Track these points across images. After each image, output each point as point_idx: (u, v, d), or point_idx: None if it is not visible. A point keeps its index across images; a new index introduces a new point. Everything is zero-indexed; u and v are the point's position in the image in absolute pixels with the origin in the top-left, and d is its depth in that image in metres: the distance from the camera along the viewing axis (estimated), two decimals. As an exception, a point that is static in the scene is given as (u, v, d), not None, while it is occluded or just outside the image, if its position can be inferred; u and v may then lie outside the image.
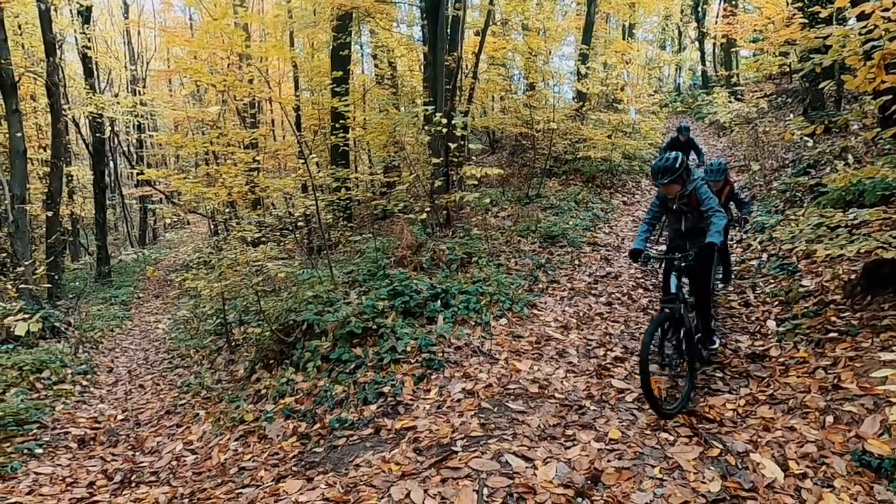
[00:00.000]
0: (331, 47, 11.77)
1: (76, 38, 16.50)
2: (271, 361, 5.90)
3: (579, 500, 3.05)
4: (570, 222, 9.29)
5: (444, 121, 8.39)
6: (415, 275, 6.65)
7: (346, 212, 10.23)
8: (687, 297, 4.50)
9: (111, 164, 20.68)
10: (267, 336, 6.08)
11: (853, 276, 5.06)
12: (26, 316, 5.99)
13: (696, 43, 25.75)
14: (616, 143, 12.55)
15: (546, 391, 4.44)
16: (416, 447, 3.74)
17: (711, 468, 3.25)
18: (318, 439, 4.35)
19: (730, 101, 14.53)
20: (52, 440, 5.14)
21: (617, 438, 3.64)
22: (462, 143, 10.27)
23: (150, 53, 25.50)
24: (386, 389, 4.69)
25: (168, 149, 24.77)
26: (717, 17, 23.63)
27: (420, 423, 4.14)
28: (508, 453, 3.51)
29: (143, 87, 23.10)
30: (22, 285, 8.65)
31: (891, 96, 4.36)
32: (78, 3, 14.51)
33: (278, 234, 10.38)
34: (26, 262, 8.89)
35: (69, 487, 4.23)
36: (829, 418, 3.52)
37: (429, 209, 8.55)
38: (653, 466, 3.30)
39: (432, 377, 4.84)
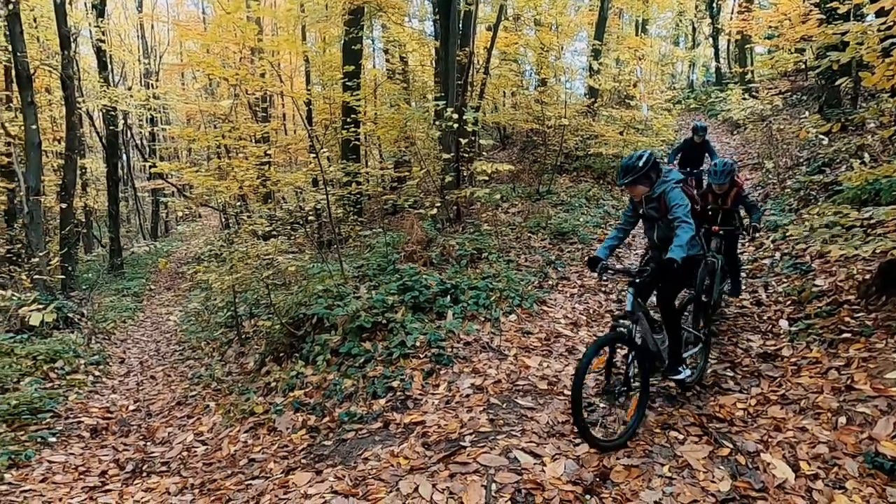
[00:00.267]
0: (342, 42, 11.78)
1: (90, 32, 16.61)
2: (281, 354, 5.94)
3: (588, 497, 3.05)
4: (581, 219, 9.26)
5: (455, 116, 8.36)
6: (424, 270, 6.65)
7: (356, 206, 10.25)
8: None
9: (124, 156, 20.85)
10: (277, 329, 6.12)
11: (868, 277, 5.00)
12: (41, 306, 6.06)
13: (710, 39, 25.46)
14: (628, 139, 12.47)
15: (555, 388, 4.43)
16: (424, 442, 3.75)
17: (721, 468, 3.23)
18: (328, 432, 4.37)
19: (744, 99, 14.38)
20: (65, 429, 5.21)
21: (626, 436, 3.62)
22: (473, 138, 10.25)
23: (164, 47, 25.66)
24: (395, 384, 4.70)
25: (180, 142, 24.92)
26: (731, 13, 23.38)
27: (429, 417, 4.15)
28: (517, 449, 3.51)
29: (157, 80, 23.24)
30: (36, 276, 8.75)
31: (910, 94, 4.30)
32: (92, -4, 14.61)
33: (289, 227, 10.42)
34: (41, 253, 8.99)
35: (81, 476, 4.28)
36: (842, 419, 3.49)
37: (439, 204, 8.55)
38: (662, 465, 3.29)
39: (441, 372, 4.85)
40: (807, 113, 12.11)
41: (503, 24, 14.50)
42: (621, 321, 3.71)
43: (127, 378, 7.39)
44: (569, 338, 5.49)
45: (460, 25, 10.70)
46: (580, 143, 13.32)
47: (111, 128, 17.03)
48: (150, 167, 15.81)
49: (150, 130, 24.10)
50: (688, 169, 8.34)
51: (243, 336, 7.35)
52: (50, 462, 4.44)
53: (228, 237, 8.16)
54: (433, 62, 15.44)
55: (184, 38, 18.93)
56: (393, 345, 5.14)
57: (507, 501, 3.04)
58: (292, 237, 10.11)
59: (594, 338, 5.53)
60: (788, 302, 5.49)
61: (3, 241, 10.95)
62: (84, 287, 11.90)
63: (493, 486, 3.18)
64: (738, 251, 5.95)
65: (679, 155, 8.71)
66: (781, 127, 11.31)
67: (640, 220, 4.09)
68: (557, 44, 15.39)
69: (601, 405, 4.07)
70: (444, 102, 8.62)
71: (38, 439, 4.80)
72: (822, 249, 5.39)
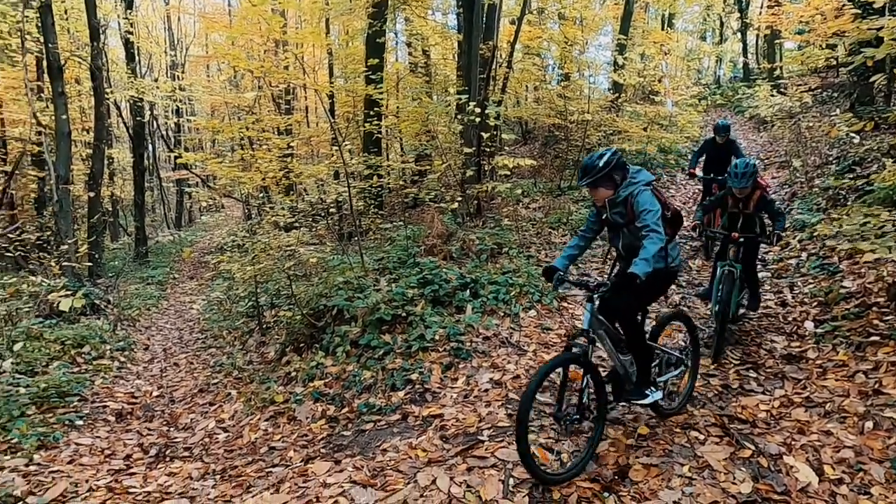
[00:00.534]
0: (366, 35, 11.79)
1: (119, 24, 16.90)
2: (301, 345, 6.00)
3: (606, 494, 3.04)
4: (603, 215, 9.17)
5: (478, 110, 8.33)
6: (444, 264, 6.66)
7: (377, 199, 10.29)
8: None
9: (150, 147, 21.18)
10: (298, 320, 6.18)
11: (898, 279, 4.88)
12: (69, 292, 6.22)
13: (739, 34, 24.96)
14: (652, 135, 12.31)
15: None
16: (442, 435, 3.77)
17: (742, 469, 3.19)
18: (346, 423, 4.42)
19: (772, 95, 14.09)
20: (91, 413, 5.33)
21: (646, 435, 3.60)
22: (495, 132, 10.20)
23: (190, 39, 25.96)
24: (414, 377, 4.72)
25: (205, 133, 25.26)
26: (761, 7, 22.88)
27: (447, 411, 4.17)
28: (535, 445, 3.51)
29: (182, 72, 23.55)
30: (65, 263, 8.95)
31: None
32: (121, -12, 14.83)
33: (310, 219, 10.51)
34: (69, 241, 9.19)
35: (107, 459, 4.38)
36: (869, 424, 3.42)
37: (460, 199, 8.54)
38: (682, 465, 3.26)
39: (460, 366, 4.86)
40: (838, 110, 11.82)
41: (527, 17, 14.39)
42: (576, 340, 3.33)
43: (151, 364, 7.53)
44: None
45: (484, 19, 10.65)
46: (603, 138, 13.19)
47: (138, 118, 17.32)
48: (176, 158, 16.07)
49: (176, 121, 24.46)
50: (711, 175, 7.59)
51: (264, 326, 7.44)
52: (77, 444, 4.55)
53: (251, 228, 8.27)
54: (456, 56, 15.40)
55: (210, 30, 19.14)
56: (412, 338, 5.16)
57: (524, 497, 3.05)
58: (313, 229, 10.20)
59: (614, 335, 5.48)
60: (814, 303, 5.39)
61: (34, 229, 11.21)
62: (110, 274, 12.15)
63: (511, 482, 3.19)
64: (756, 274, 5.40)
65: (702, 158, 7.92)
66: (811, 124, 11.07)
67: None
68: (582, 38, 15.25)
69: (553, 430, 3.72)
70: (467, 96, 8.60)
71: (66, 422, 4.92)
72: (851, 249, 5.28)
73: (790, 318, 5.31)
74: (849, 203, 7.13)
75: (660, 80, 15.05)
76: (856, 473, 3.07)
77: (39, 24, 10.59)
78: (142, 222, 17.18)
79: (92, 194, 12.05)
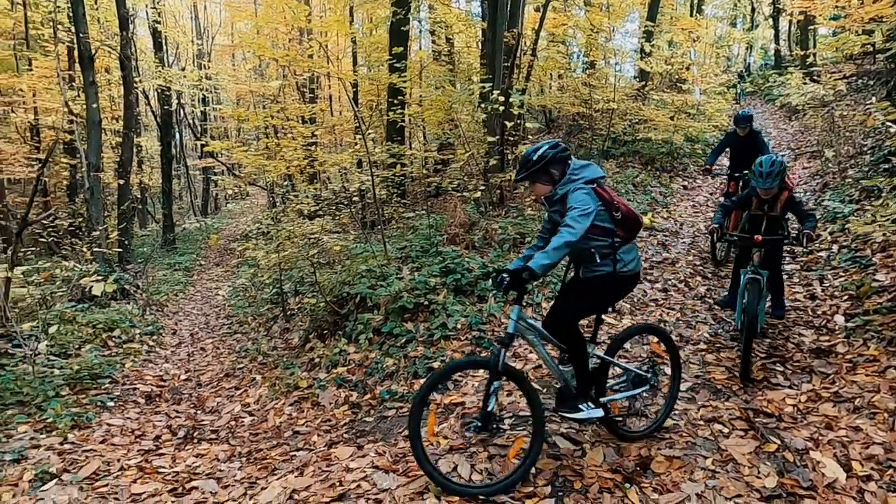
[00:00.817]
0: (390, 23, 11.76)
1: (147, 13, 17.12)
2: (325, 332, 6.08)
3: (627, 485, 3.03)
4: (627, 205, 9.06)
5: (501, 98, 8.28)
6: (467, 253, 6.66)
7: (400, 188, 10.32)
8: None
9: (177, 135, 21.54)
10: (321, 307, 6.25)
11: (934, 273, 4.75)
12: (100, 278, 6.38)
13: (770, 20, 24.32)
14: (679, 124, 12.09)
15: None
16: (463, 423, 3.79)
17: (767, 463, 3.15)
18: (369, 409, 4.47)
19: (804, 83, 13.72)
20: (122, 395, 5.48)
21: (668, 427, 3.58)
22: (518, 121, 10.13)
23: (216, 28, 26.22)
24: (436, 364, 4.75)
25: (230, 122, 25.54)
26: (795, -8, 22.20)
27: (468, 399, 4.19)
28: (556, 435, 3.51)
29: (209, 61, 23.81)
30: (96, 249, 9.17)
31: None
32: (150, -22, 15.02)
33: (334, 208, 10.59)
34: (100, 227, 9.41)
35: (137, 439, 4.51)
36: (899, 420, 3.35)
37: (483, 188, 8.52)
38: (705, 458, 3.24)
39: (482, 355, 4.87)
40: (874, 99, 11.46)
41: (552, 4, 14.19)
42: (495, 344, 3.12)
43: (178, 349, 7.71)
44: (611, 325, 5.42)
45: (508, 6, 10.53)
46: (628, 127, 13.00)
47: (165, 107, 17.60)
48: (202, 146, 16.30)
49: (202, 110, 24.78)
50: (735, 173, 6.99)
51: (288, 312, 7.55)
52: (109, 425, 4.69)
53: (276, 216, 8.36)
54: (479, 44, 15.27)
55: (235, 19, 19.32)
56: (434, 326, 5.18)
57: (545, 486, 3.06)
58: (337, 217, 10.27)
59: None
60: (845, 297, 5.27)
61: (66, 215, 11.51)
62: (139, 260, 12.42)
63: (533, 470, 3.19)
64: (781, 278, 5.09)
65: (722, 154, 7.33)
66: (844, 113, 10.76)
67: None
68: (608, 25, 15.01)
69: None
70: (491, 84, 8.53)
71: (98, 403, 5.07)
72: (889, 239, 5.14)
73: (819, 312, 5.21)
74: (884, 194, 6.93)
75: (688, 68, 14.75)
76: (885, 470, 3.01)
77: (71, 14, 10.80)
78: (169, 209, 17.52)
79: (121, 182, 12.31)
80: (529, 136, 14.27)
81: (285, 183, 13.08)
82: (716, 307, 5.75)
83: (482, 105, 9.06)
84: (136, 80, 15.10)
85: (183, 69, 20.72)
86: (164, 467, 3.90)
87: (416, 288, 5.64)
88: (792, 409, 3.73)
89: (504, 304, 5.59)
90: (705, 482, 3.02)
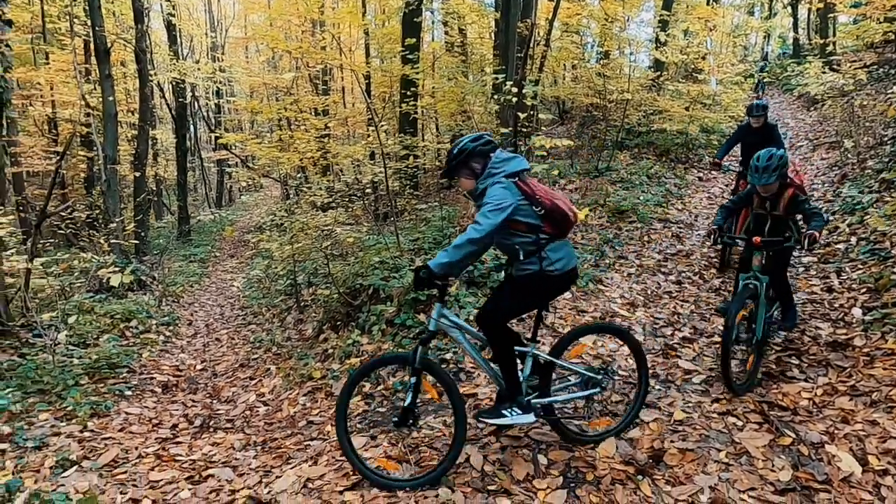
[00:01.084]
0: (402, 14, 11.73)
1: (161, 6, 17.20)
2: (338, 323, 6.12)
3: (640, 477, 3.03)
4: (641, 197, 9.00)
5: (515, 90, 8.22)
6: (479, 245, 6.65)
7: (412, 180, 10.33)
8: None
9: (192, 128, 21.70)
10: (335, 298, 6.29)
11: (955, 265, 4.66)
12: (118, 269, 6.47)
13: (789, 8, 23.86)
14: (694, 115, 11.95)
15: (609, 368, 4.38)
16: (476, 414, 3.80)
17: (782, 457, 3.13)
18: (382, 400, 4.50)
19: (823, 72, 13.48)
20: (139, 384, 5.57)
21: (682, 420, 3.57)
22: (531, 112, 10.06)
23: (229, 21, 26.31)
24: (448, 356, 4.77)
25: (244, 114, 25.68)
26: (815, -21, 21.75)
27: (481, 390, 4.20)
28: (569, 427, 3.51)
29: (222, 53, 23.93)
30: (113, 240, 9.29)
31: None
32: (164, -29, 15.09)
33: (347, 200, 10.63)
34: (117, 219, 9.53)
35: (155, 428, 4.59)
36: (918, 415, 3.31)
37: (495, 179, 8.48)
38: (719, 450, 3.22)
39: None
40: (895, 88, 11.24)
41: (566, -6, 14.06)
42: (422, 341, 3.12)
43: (194, 339, 7.80)
44: (625, 318, 5.40)
45: (522, -4, 10.44)
46: (642, 118, 12.87)
47: (180, 100, 17.72)
48: (216, 138, 16.43)
49: (216, 102, 24.94)
50: (745, 170, 6.56)
51: (302, 304, 7.61)
52: (127, 413, 4.77)
53: (289, 208, 8.41)
54: (493, 34, 15.16)
55: (249, 11, 19.36)
56: (447, 318, 5.19)
57: (557, 477, 3.07)
58: (350, 209, 10.31)
59: (651, 318, 5.42)
60: (863, 289, 5.20)
61: (83, 207, 11.65)
62: (155, 252, 12.58)
63: (545, 461, 3.21)
64: (788, 284, 4.58)
65: (734, 146, 6.96)
66: (865, 103, 10.56)
67: None
68: (623, 14, 14.82)
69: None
70: (504, 76, 8.49)
71: (116, 392, 5.16)
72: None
73: (836, 305, 5.15)
74: (904, 186, 6.81)
75: (704, 58, 14.55)
76: (902, 465, 2.98)
77: (87, 8, 10.88)
78: (184, 201, 17.69)
79: (137, 174, 12.45)
80: (543, 128, 14.20)
81: (298, 175, 13.14)
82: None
83: (495, 96, 9.02)
84: (151, 72, 15.22)
85: (197, 62, 20.84)
86: (181, 455, 3.96)
87: (429, 280, 5.64)
88: (807, 402, 3.70)
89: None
90: (718, 475, 3.01)
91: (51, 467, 3.60)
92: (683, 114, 11.76)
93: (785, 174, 4.17)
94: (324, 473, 3.37)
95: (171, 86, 18.72)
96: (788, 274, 5.96)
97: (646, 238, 7.70)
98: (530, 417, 3.14)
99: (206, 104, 25.09)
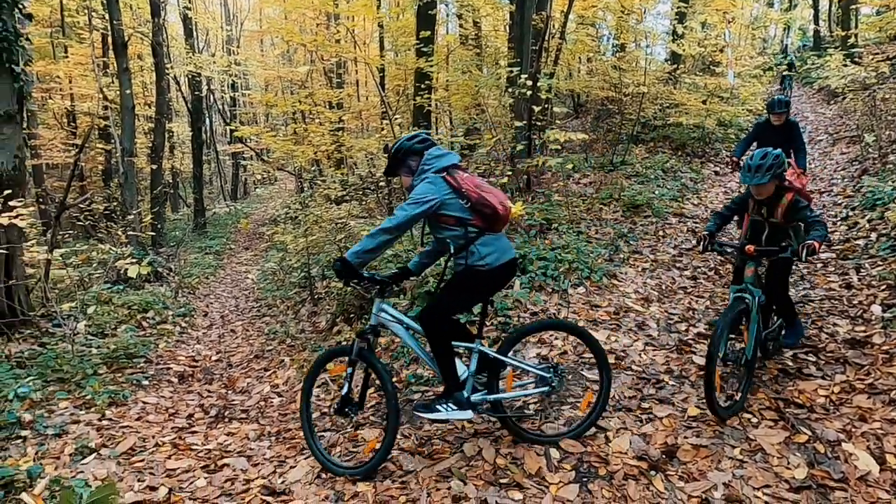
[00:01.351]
0: (417, 6, 11.69)
1: (178, 0, 17.31)
2: (351, 315, 6.15)
3: (653, 473, 3.02)
4: (656, 191, 8.92)
5: (529, 83, 8.18)
6: (493, 239, 6.64)
7: (426, 173, 10.31)
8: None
9: (207, 121, 21.84)
10: (348, 291, 6.32)
11: (979, 263, 4.57)
12: (135, 260, 6.55)
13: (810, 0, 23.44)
14: (711, 108, 11.80)
15: (623, 363, 4.37)
16: (489, 407, 3.81)
17: (797, 454, 3.11)
18: (395, 392, 4.52)
19: (844, 65, 13.22)
20: (156, 374, 5.65)
21: (696, 416, 3.55)
22: (546, 106, 10.00)
23: (244, 14, 26.39)
24: (460, 350, 4.76)
25: (259, 107, 25.80)
26: (837, -31, 21.34)
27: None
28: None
29: (238, 47, 24.03)
30: (130, 232, 9.41)
31: None
32: (180, -36, 15.17)
33: (360, 193, 10.66)
34: (134, 212, 9.65)
35: (171, 417, 4.65)
36: (937, 414, 3.26)
37: (509, 173, 8.45)
38: (733, 447, 3.20)
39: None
40: (918, 81, 11.00)
41: (582, -15, 13.92)
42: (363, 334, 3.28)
43: (209, 330, 7.89)
44: (639, 313, 5.37)
45: (537, -12, 10.36)
46: (658, 112, 12.73)
47: (196, 93, 17.85)
48: (231, 131, 16.54)
49: (231, 96, 25.08)
50: None
51: (316, 296, 7.66)
52: (144, 403, 4.84)
53: (303, 200, 8.46)
54: (507, 27, 15.07)
55: (264, 4, 19.38)
56: (460, 311, 5.20)
57: (570, 471, 3.07)
58: (364, 202, 10.34)
59: (665, 314, 5.38)
60: (883, 286, 5.12)
61: (102, 199, 11.82)
62: (171, 244, 12.71)
63: (557, 455, 3.21)
64: (787, 296, 4.19)
65: (752, 145, 6.44)
66: (887, 96, 10.35)
67: None
68: (639, 7, 14.67)
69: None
70: (518, 69, 8.44)
71: (134, 381, 5.24)
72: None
73: (855, 302, 5.07)
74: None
75: (721, 50, 14.34)
76: (921, 464, 2.94)
77: (104, 2, 10.99)
78: (200, 194, 17.84)
79: (154, 167, 12.58)
80: (557, 121, 14.12)
81: (313, 168, 13.20)
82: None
83: (509, 89, 8.98)
84: (168, 66, 15.34)
85: (213, 55, 20.95)
86: (196, 444, 4.02)
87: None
88: (824, 399, 3.66)
89: (530, 290, 5.58)
90: (732, 471, 2.99)
91: (70, 454, 3.67)
92: (700, 107, 11.62)
93: (782, 175, 3.71)
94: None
95: (187, 79, 18.87)
96: (801, 273, 5.91)
97: (661, 233, 7.63)
98: (467, 414, 3.16)
99: (222, 97, 25.25)
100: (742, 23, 23.18)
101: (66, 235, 10.24)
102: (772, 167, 3.63)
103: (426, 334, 3.19)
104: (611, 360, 4.42)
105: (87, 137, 12.34)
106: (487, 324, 4.98)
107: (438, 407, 3.16)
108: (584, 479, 3.01)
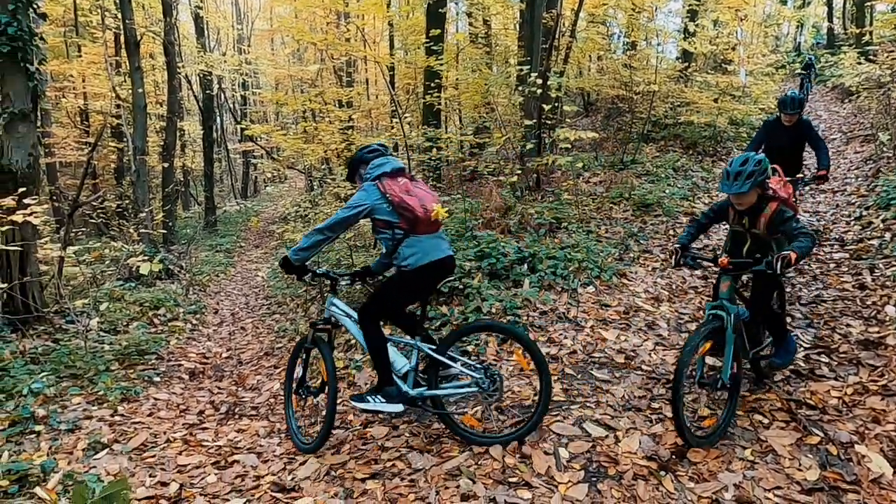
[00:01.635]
0: (426, 5, 11.69)
1: (189, -1, 17.42)
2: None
3: (663, 473, 3.01)
4: (667, 190, 8.87)
5: (539, 81, 8.16)
6: (502, 237, 6.64)
7: (435, 172, 10.32)
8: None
9: (218, 119, 21.97)
10: (357, 289, 6.34)
11: None
12: (146, 258, 6.60)
13: (824, -4, 23.18)
14: (723, 107, 11.71)
15: (633, 362, 4.35)
16: (497, 406, 3.81)
17: (809, 456, 3.08)
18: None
19: (859, 63, 13.08)
20: (167, 370, 5.69)
21: (706, 416, 3.53)
22: (556, 104, 9.97)
23: (255, 13, 26.52)
24: (470, 348, 4.77)
25: (269, 106, 25.92)
26: (851, -34, 21.09)
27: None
28: (590, 421, 3.51)
29: (248, 46, 24.15)
30: (142, 230, 9.49)
31: None
32: (192, -36, 15.26)
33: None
34: (146, 210, 9.72)
35: (182, 413, 4.69)
36: (953, 416, 3.22)
37: (519, 172, 8.46)
38: (744, 448, 3.18)
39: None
40: (934, 79, 10.85)
41: (593, -17, 13.87)
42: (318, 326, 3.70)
43: (220, 328, 7.94)
44: (649, 312, 5.35)
45: (548, -14, 10.33)
46: (669, 110, 12.66)
47: (207, 92, 17.95)
48: (242, 130, 16.63)
49: (242, 94, 25.21)
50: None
51: (325, 294, 7.68)
52: (155, 399, 4.88)
53: (313, 199, 8.49)
54: (517, 25, 15.05)
55: (274, 3, 19.46)
56: (469, 310, 5.20)
57: (579, 471, 3.06)
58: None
59: (675, 314, 5.35)
60: (897, 287, 5.06)
61: (114, 197, 11.92)
62: (182, 242, 12.81)
63: (566, 455, 3.20)
64: (774, 310, 3.81)
65: (762, 148, 5.78)
66: (902, 94, 10.23)
67: None
68: (650, 4, 14.57)
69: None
70: (528, 67, 8.44)
71: (145, 378, 5.28)
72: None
73: (869, 302, 5.02)
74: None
75: (733, 48, 14.23)
76: (935, 467, 2.91)
77: (117, 1, 11.07)
78: (211, 192, 17.95)
79: (165, 165, 12.67)
80: (567, 120, 14.06)
81: (322, 166, 13.23)
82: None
83: (519, 88, 8.97)
84: (179, 65, 15.44)
85: (224, 54, 21.07)
86: (207, 441, 4.05)
87: (451, 272, 5.65)
88: (837, 401, 3.62)
89: (539, 289, 5.57)
90: (743, 472, 2.97)
91: (83, 449, 3.71)
92: (712, 106, 11.54)
93: (764, 184, 3.41)
94: (346, 461, 3.41)
95: (198, 78, 18.98)
96: (814, 274, 5.85)
97: (671, 232, 7.59)
98: (396, 407, 3.37)
99: (233, 96, 25.38)
100: (754, 20, 22.94)
101: (79, 233, 10.35)
102: (752, 174, 3.30)
103: (362, 330, 3.45)
104: (620, 359, 4.41)
105: (100, 136, 12.45)
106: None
107: (369, 398, 3.42)
108: (594, 479, 3.00)
